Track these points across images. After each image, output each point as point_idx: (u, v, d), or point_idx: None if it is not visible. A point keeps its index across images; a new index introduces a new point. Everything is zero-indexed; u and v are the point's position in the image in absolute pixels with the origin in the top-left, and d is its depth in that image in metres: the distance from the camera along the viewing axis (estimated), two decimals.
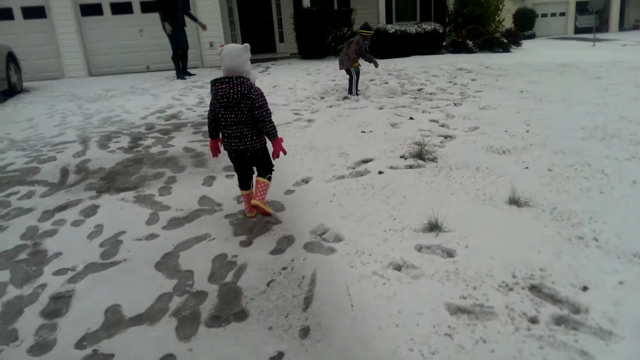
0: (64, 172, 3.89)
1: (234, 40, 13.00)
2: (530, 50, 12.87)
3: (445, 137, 4.41)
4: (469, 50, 11.56)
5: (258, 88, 2.61)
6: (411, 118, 5.17)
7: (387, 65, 10.01)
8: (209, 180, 3.55)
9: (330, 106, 6.00)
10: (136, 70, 11.01)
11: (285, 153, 2.80)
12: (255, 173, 2.89)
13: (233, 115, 2.57)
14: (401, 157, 3.83)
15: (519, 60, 10.36)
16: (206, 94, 7.26)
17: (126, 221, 2.92)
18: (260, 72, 9.72)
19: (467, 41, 11.64)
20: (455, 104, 5.81)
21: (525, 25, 24.18)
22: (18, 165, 4.12)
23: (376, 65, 7.03)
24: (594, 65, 8.86)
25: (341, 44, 11.88)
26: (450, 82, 7.65)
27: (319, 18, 11.17)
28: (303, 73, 9.30)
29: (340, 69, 6.99)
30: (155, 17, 9.31)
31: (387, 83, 7.72)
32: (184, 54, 9.35)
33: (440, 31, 11.53)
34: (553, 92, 6.31)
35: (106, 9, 10.64)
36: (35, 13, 10.22)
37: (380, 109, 5.76)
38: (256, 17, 13.24)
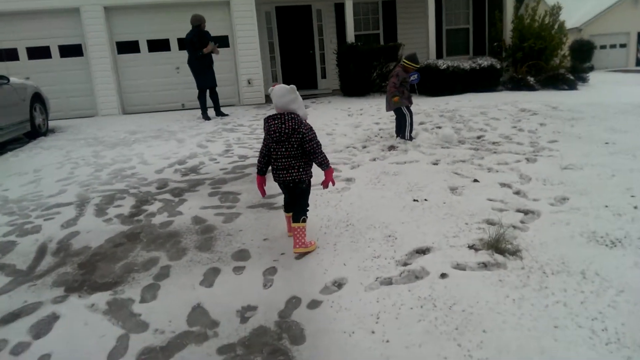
0: (41, 252, 3.13)
1: (274, 77, 12.47)
2: (598, 87, 11.57)
3: (526, 212, 3.37)
4: (530, 88, 10.41)
5: (308, 123, 2.83)
6: (475, 180, 4.17)
7: (437, 104, 9.04)
8: (210, 276, 2.68)
9: (374, 159, 5.09)
10: (171, 108, 10.58)
11: (334, 184, 2.99)
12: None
13: (284, 149, 2.77)
14: (470, 247, 2.83)
15: (589, 99, 9.12)
16: (234, 140, 6.54)
17: (84, 350, 2.08)
18: None
19: (528, 77, 10.51)
20: (527, 160, 4.76)
21: (582, 57, 22.71)
22: None
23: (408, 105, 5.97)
24: None
25: (386, 81, 11.05)
26: (515, 127, 6.59)
27: (363, 54, 10.42)
28: (344, 114, 8.47)
29: (387, 110, 6.09)
30: None
31: (439, 128, 6.75)
32: (213, 93, 8.78)
33: (498, 67, 10.48)
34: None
35: (143, 46, 10.34)
36: (72, 51, 10.03)
37: (434, 164, 4.80)
38: (298, 52, 12.69)
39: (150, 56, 10.39)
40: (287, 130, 2.70)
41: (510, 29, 11.62)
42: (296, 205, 2.92)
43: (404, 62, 5.75)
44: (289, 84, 2.79)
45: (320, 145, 2.84)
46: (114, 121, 9.06)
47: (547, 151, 5.09)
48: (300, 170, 2.82)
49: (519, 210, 3.41)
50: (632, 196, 3.53)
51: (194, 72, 8.51)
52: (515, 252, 2.73)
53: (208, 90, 8.70)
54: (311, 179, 2.95)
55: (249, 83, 10.53)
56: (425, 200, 3.70)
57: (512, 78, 10.81)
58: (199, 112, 8.94)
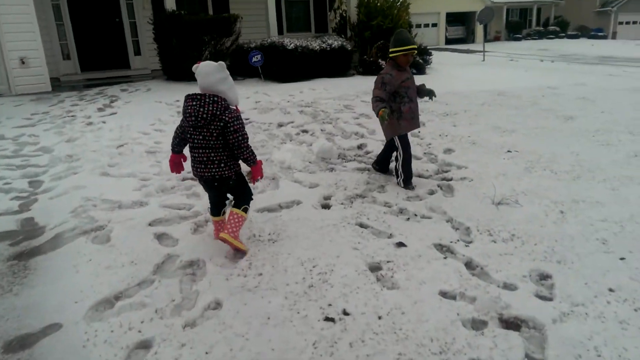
0: None
1: (64, 53, 9.30)
2: (441, 71, 11.27)
3: (516, 326, 1.92)
4: None
5: (234, 110, 2.32)
6: (400, 244, 2.61)
7: (292, 94, 7.43)
8: None
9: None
10: None
11: (262, 177, 2.47)
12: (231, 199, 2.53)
13: (201, 137, 2.26)
14: None
15: (443, 86, 8.40)
16: None
17: None
18: (98, 108, 6.38)
19: (380, 61, 9.55)
20: (442, 189, 3.43)
21: None
22: None
23: (431, 95, 3.66)
24: (534, 95, 7.25)
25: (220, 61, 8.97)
26: None
27: (189, 25, 8.11)
28: (171, 110, 6.22)
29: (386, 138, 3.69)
30: None
31: (306, 132, 5.12)
32: None
33: (349, 48, 9.24)
34: (542, 151, 4.29)
35: None
36: None
37: (324, 206, 3.15)
38: (99, 20, 9.66)
39: None
40: (205, 115, 2.19)
41: (355, 4, 10.52)
42: (235, 196, 2.48)
43: (392, 51, 3.37)
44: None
45: (247, 137, 2.32)
46: None
47: (455, 170, 3.86)
48: (222, 165, 2.30)
49: (502, 321, 1.95)
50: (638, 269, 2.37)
51: None
52: None
53: None
54: (240, 171, 2.43)
55: (23, 63, 7.36)
56: (346, 314, 2.00)
57: (362, 61, 9.75)
58: None
